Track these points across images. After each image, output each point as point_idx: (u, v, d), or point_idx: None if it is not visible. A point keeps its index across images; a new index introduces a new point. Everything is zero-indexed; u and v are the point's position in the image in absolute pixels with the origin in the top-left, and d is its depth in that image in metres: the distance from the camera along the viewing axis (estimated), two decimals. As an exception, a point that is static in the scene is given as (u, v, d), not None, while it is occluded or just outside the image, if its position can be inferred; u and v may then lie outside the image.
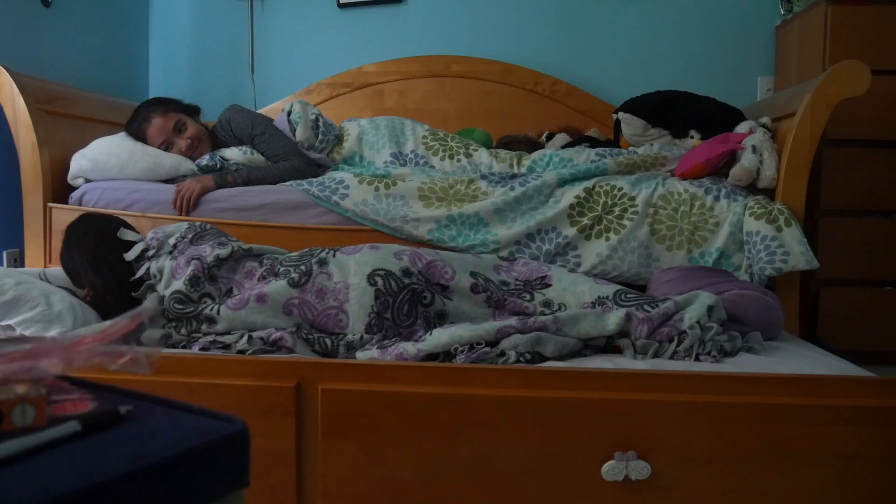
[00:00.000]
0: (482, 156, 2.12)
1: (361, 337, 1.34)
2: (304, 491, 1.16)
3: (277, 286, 1.39)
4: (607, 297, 1.41)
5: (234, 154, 2.07)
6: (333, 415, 1.13)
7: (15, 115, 1.93)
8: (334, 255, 1.44)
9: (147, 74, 2.99)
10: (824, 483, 1.09)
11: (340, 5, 2.85)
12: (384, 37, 2.84)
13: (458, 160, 2.11)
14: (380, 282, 1.37)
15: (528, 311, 1.43)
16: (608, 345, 1.34)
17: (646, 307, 1.34)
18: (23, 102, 1.91)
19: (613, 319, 1.31)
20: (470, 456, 1.12)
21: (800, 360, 1.30)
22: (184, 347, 1.37)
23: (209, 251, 1.45)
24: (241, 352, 1.31)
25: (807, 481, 1.09)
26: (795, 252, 1.63)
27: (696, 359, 1.28)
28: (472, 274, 1.47)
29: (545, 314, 1.38)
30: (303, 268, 1.41)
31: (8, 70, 1.91)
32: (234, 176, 1.98)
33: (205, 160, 2.05)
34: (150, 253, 1.49)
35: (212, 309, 1.38)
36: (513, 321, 1.31)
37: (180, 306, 1.39)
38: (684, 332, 1.30)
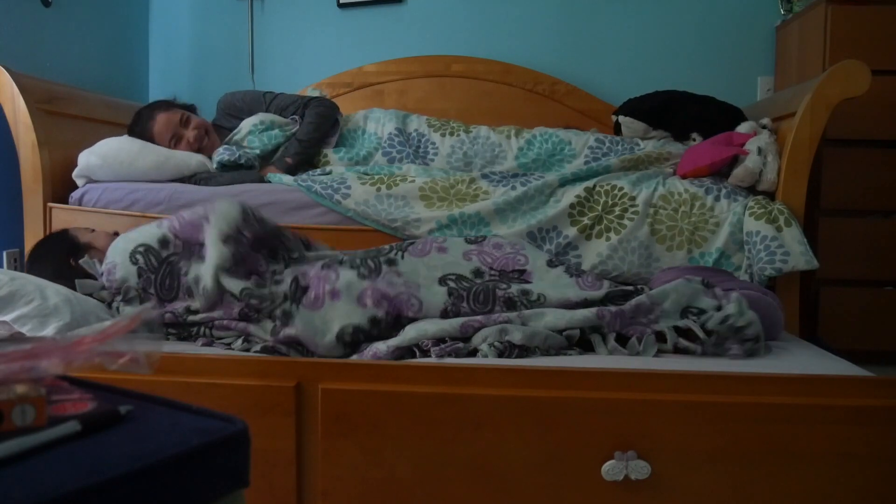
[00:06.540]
0: (481, 129, 2.19)
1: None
2: (304, 491, 1.16)
3: (347, 276, 1.37)
4: (597, 298, 1.37)
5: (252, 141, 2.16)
6: (333, 415, 1.13)
7: (15, 115, 1.93)
8: (402, 257, 1.47)
9: (147, 74, 2.99)
10: (824, 483, 1.09)
11: (340, 5, 2.85)
12: (384, 37, 2.84)
13: (458, 135, 2.18)
14: (451, 284, 1.40)
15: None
16: (581, 339, 1.33)
17: (619, 301, 1.35)
18: (23, 102, 1.91)
19: (583, 313, 1.31)
20: (470, 456, 1.12)
21: (800, 360, 1.30)
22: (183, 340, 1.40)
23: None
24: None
25: (807, 481, 1.10)
26: (795, 252, 1.63)
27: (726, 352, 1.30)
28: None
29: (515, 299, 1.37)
30: (371, 263, 1.41)
31: (8, 70, 1.91)
32: (290, 156, 2.09)
33: (225, 155, 2.05)
34: (118, 300, 1.41)
35: (290, 305, 1.36)
36: (478, 316, 1.34)
37: (255, 300, 1.36)
38: (659, 331, 1.30)
